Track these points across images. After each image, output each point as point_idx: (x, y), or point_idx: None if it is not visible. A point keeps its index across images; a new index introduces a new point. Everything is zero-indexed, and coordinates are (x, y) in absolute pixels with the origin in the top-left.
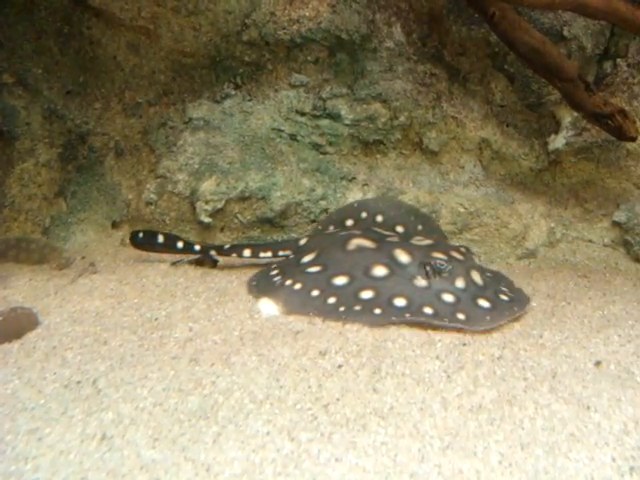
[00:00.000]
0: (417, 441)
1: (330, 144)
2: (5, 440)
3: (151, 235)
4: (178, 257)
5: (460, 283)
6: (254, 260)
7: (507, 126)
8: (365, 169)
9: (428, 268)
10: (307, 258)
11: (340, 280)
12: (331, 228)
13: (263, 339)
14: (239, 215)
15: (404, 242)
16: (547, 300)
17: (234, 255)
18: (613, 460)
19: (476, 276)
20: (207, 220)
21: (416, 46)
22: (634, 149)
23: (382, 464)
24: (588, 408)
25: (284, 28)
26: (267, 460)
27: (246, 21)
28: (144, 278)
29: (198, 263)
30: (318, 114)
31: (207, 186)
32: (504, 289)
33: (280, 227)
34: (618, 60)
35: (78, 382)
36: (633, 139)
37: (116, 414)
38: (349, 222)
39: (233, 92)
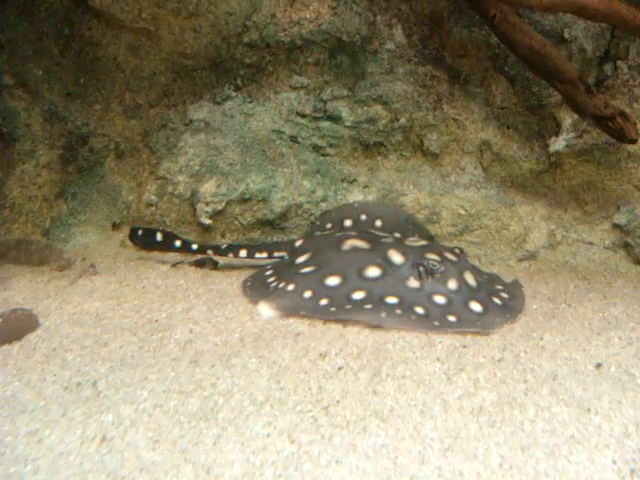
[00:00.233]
0: (417, 443)
1: (331, 146)
2: (5, 442)
3: (150, 233)
4: (178, 257)
5: (452, 284)
6: (250, 260)
7: (508, 128)
8: (366, 171)
9: (421, 269)
10: (301, 259)
11: (333, 280)
12: (328, 226)
13: (263, 341)
14: (239, 217)
15: (398, 243)
16: (547, 302)
17: (230, 255)
18: (614, 462)
19: (469, 277)
20: (207, 222)
21: (417, 48)
22: (635, 151)
23: (382, 466)
24: (589, 410)
25: (285, 30)
26: (267, 462)
27: (247, 23)
28: (144, 280)
29: (199, 265)
30: (319, 116)
31: (207, 188)
32: (499, 291)
33: (280, 229)
34: (619, 62)
35: (78, 384)
36: (634, 141)
37: (116, 416)
38: (348, 222)
39: (234, 94)
